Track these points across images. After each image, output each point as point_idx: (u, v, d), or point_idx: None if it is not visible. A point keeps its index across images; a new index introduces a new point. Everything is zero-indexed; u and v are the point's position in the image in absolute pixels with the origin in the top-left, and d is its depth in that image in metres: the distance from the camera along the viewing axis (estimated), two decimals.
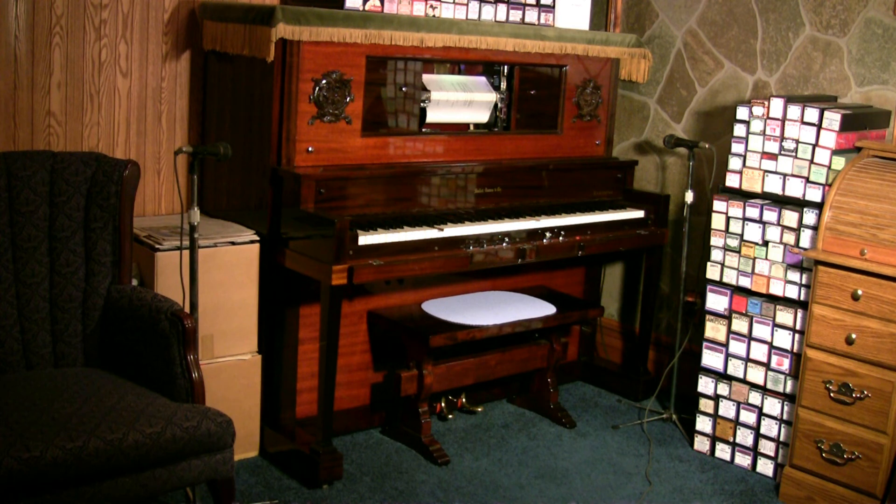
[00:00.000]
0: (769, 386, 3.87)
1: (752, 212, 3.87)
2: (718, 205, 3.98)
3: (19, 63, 3.57)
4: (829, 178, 3.69)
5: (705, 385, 4.07)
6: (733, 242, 3.94)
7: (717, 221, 3.98)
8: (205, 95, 4.01)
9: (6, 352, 3.06)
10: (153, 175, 3.97)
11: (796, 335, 3.77)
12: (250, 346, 3.73)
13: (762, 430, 3.91)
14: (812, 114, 3.72)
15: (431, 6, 3.99)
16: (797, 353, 3.77)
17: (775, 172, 3.84)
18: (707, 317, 4.05)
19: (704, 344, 4.05)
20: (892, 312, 3.42)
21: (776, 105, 3.81)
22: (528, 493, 3.65)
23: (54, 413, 2.68)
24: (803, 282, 3.75)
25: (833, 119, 3.66)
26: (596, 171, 4.51)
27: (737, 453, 3.99)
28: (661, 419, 4.39)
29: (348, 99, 3.72)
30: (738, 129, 3.93)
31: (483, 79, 4.30)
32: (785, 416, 3.84)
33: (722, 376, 4.02)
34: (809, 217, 3.72)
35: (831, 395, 3.58)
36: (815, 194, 3.73)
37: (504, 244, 3.87)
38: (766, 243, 3.85)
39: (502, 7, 4.20)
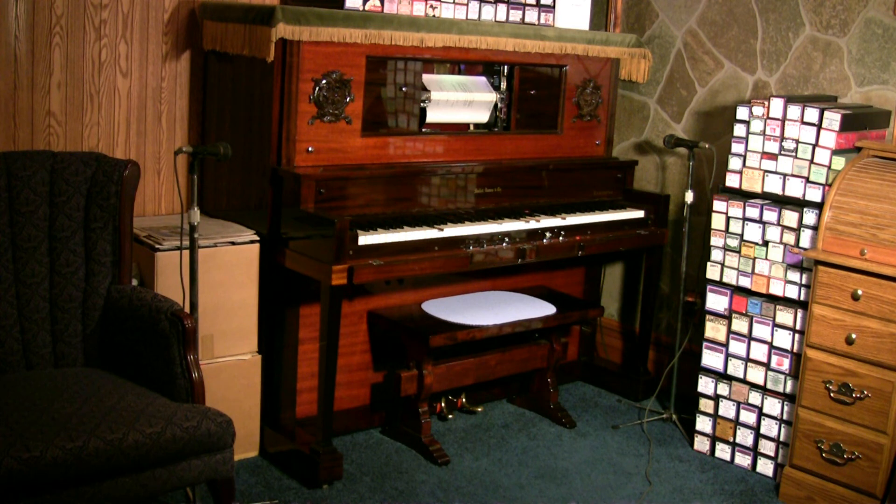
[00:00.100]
0: (769, 386, 3.87)
1: (752, 212, 3.87)
2: (718, 205, 3.98)
3: (19, 63, 3.57)
4: (829, 178, 3.69)
5: (705, 385, 4.08)
6: (733, 242, 3.94)
7: (717, 221, 3.98)
8: (205, 95, 4.01)
9: (6, 352, 3.06)
10: (153, 175, 3.97)
11: (796, 335, 3.77)
12: (250, 346, 3.73)
13: (762, 430, 3.91)
14: (812, 114, 3.72)
15: (431, 6, 3.99)
16: (797, 353, 3.77)
17: (775, 172, 3.84)
18: (707, 317, 4.05)
19: (704, 344, 4.05)
20: (892, 312, 3.42)
21: (776, 105, 3.81)
22: (528, 493, 3.65)
23: (54, 413, 2.68)
24: (803, 282, 3.75)
25: (833, 119, 3.66)
26: (596, 171, 4.51)
27: (737, 453, 3.99)
28: (661, 419, 4.39)
29: (348, 99, 3.72)
30: (738, 129, 3.93)
31: (483, 79, 4.30)
32: (785, 416, 3.84)
33: (722, 376, 4.02)
34: (809, 217, 3.72)
35: (831, 395, 3.58)
36: (815, 194, 3.73)
37: (504, 244, 3.87)
38: (766, 243, 3.85)
39: (502, 7, 4.20)
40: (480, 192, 4.07)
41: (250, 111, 3.76)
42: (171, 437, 2.69)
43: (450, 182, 3.99)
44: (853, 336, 3.50)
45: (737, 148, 3.94)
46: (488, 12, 4.16)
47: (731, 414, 3.99)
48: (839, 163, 3.67)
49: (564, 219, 4.12)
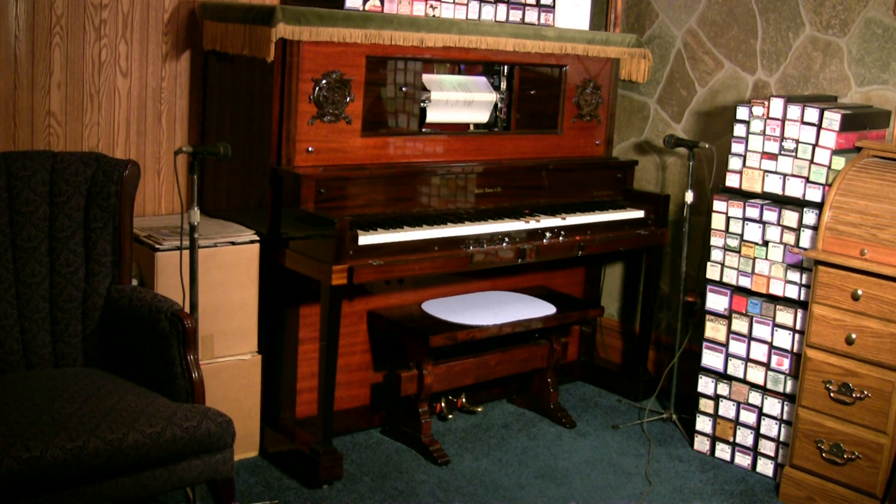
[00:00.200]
0: (769, 386, 3.87)
1: (752, 212, 3.87)
2: (718, 205, 3.98)
3: (19, 63, 3.57)
4: (829, 178, 3.69)
5: (705, 385, 4.07)
6: (733, 242, 3.94)
7: (717, 221, 3.98)
8: (205, 95, 4.01)
9: (6, 352, 3.06)
10: (153, 175, 3.97)
11: (796, 335, 3.77)
12: (250, 346, 3.73)
13: (762, 430, 3.91)
14: (812, 114, 3.72)
15: (431, 6, 3.99)
16: (797, 353, 3.77)
17: (775, 172, 3.84)
18: (707, 317, 4.05)
19: (704, 344, 4.05)
20: (892, 312, 3.42)
21: (776, 105, 3.81)
22: (528, 493, 3.65)
23: (54, 413, 2.68)
24: (803, 282, 3.75)
25: (833, 119, 3.66)
26: (596, 171, 4.51)
27: (737, 453, 3.99)
28: (661, 419, 4.39)
29: (348, 99, 3.72)
30: (738, 129, 3.93)
31: (483, 79, 4.30)
32: (785, 416, 3.84)
33: (722, 376, 4.02)
34: (809, 217, 3.72)
35: (831, 395, 3.58)
36: (815, 194, 3.73)
37: (504, 244, 3.87)
38: (766, 243, 3.85)
39: (502, 7, 4.20)
40: (480, 192, 4.08)
41: (250, 111, 3.76)
42: (171, 437, 2.69)
43: (450, 182, 3.99)
44: (853, 336, 3.50)
45: (737, 148, 3.94)
46: (488, 12, 4.16)
47: (731, 414, 3.99)
48: (839, 163, 3.67)
49: (564, 219, 4.12)
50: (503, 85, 4.32)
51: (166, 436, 2.68)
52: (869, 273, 3.45)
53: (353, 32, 3.64)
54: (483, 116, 4.28)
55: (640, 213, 4.41)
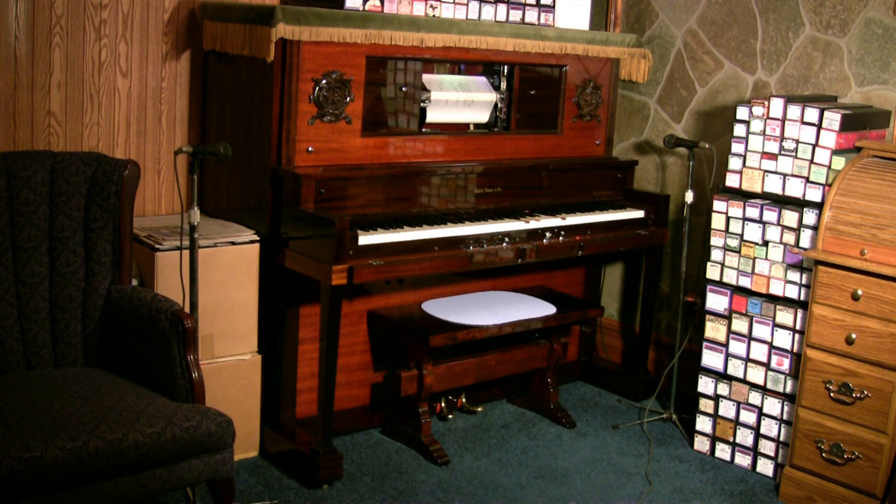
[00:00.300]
0: (769, 386, 3.87)
1: (752, 212, 3.87)
2: (718, 205, 3.98)
3: (19, 63, 3.57)
4: (829, 178, 3.69)
5: (705, 385, 4.07)
6: (733, 242, 3.94)
7: (717, 221, 3.98)
8: (205, 95, 4.01)
9: (6, 352, 3.06)
10: (153, 175, 3.97)
11: (796, 335, 3.77)
12: (250, 346, 3.73)
13: (762, 430, 3.91)
14: (812, 114, 3.72)
15: (431, 6, 3.99)
16: (797, 353, 3.77)
17: (775, 172, 3.84)
18: (707, 317, 4.05)
19: (704, 344, 4.05)
20: (892, 312, 3.42)
21: (776, 105, 3.81)
22: (528, 493, 3.65)
23: (54, 413, 2.68)
24: (803, 282, 3.75)
25: (833, 119, 3.66)
26: (596, 171, 4.51)
27: (737, 453, 3.99)
28: (661, 419, 4.39)
29: (348, 99, 3.72)
30: (738, 129, 3.93)
31: (483, 79, 4.30)
32: (785, 416, 3.84)
33: (722, 376, 4.02)
34: (809, 217, 3.72)
35: (831, 395, 3.58)
36: (815, 194, 3.73)
37: (504, 244, 3.87)
38: (766, 243, 3.85)
39: (502, 7, 4.20)
40: (480, 192, 4.08)
41: (250, 111, 3.76)
42: (171, 437, 2.69)
43: (450, 182, 3.99)
44: (853, 336, 3.50)
45: (737, 148, 3.94)
46: (488, 12, 4.16)
47: (731, 414, 3.99)
48: (839, 163, 3.67)
49: (564, 219, 4.12)
50: (503, 85, 4.32)
51: (166, 436, 2.68)
52: (869, 273, 3.45)
53: (353, 32, 3.64)
54: (483, 116, 4.28)
55: (640, 213, 4.41)
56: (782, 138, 3.80)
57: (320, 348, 3.55)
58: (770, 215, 3.82)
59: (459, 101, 4.15)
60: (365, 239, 3.49)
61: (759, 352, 3.88)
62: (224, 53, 3.76)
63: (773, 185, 3.84)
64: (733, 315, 3.95)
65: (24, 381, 2.95)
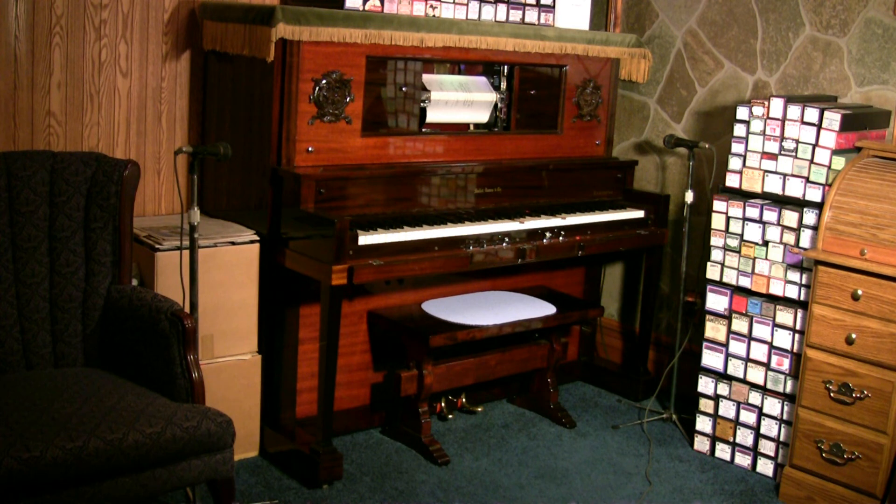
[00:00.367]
0: (769, 386, 3.87)
1: (752, 212, 3.87)
2: (718, 205, 3.98)
3: (19, 63, 3.57)
4: (829, 178, 3.69)
5: (705, 385, 4.07)
6: (733, 242, 3.94)
7: (717, 221, 3.98)
8: (205, 95, 4.01)
9: (6, 352, 3.06)
10: (153, 175, 3.97)
11: (796, 335, 3.77)
12: (250, 346, 3.73)
13: (762, 430, 3.91)
14: (812, 114, 3.72)
15: (431, 6, 3.99)
16: (797, 353, 3.77)
17: (775, 172, 3.84)
18: (707, 317, 4.05)
19: (704, 344, 4.05)
20: (892, 312, 3.42)
21: (776, 105, 3.81)
22: (528, 493, 3.65)
23: (54, 413, 2.68)
24: (803, 282, 3.75)
25: (833, 119, 3.66)
26: (596, 171, 4.51)
27: (737, 453, 3.99)
28: (661, 419, 4.39)
29: (348, 99, 3.72)
30: (738, 129, 3.93)
31: (483, 79, 4.30)
32: (785, 416, 3.84)
33: (722, 376, 4.02)
34: (809, 217, 3.72)
35: (831, 395, 3.58)
36: (815, 194, 3.73)
37: (504, 244, 3.87)
38: (766, 243, 3.85)
39: (502, 7, 4.20)
40: (480, 192, 4.08)
41: (250, 111, 3.76)
42: (171, 437, 2.69)
43: (450, 182, 3.99)
44: (853, 336, 3.50)
45: (737, 148, 3.94)
46: (488, 12, 4.16)
47: (731, 414, 3.99)
48: (839, 163, 3.67)
49: (564, 219, 4.12)
50: (503, 85, 4.32)
51: (166, 436, 2.68)
52: (869, 273, 3.45)
53: (353, 32, 3.64)
54: (483, 116, 4.28)
55: (640, 213, 4.41)
56: (782, 138, 3.80)
57: (320, 348, 3.55)
58: (770, 215, 3.82)
59: (459, 101, 4.15)
60: (365, 239, 3.49)
61: (759, 352, 3.88)
62: (224, 53, 3.76)
63: (773, 185, 3.84)
64: (733, 315, 3.95)
65: (24, 382, 2.95)
